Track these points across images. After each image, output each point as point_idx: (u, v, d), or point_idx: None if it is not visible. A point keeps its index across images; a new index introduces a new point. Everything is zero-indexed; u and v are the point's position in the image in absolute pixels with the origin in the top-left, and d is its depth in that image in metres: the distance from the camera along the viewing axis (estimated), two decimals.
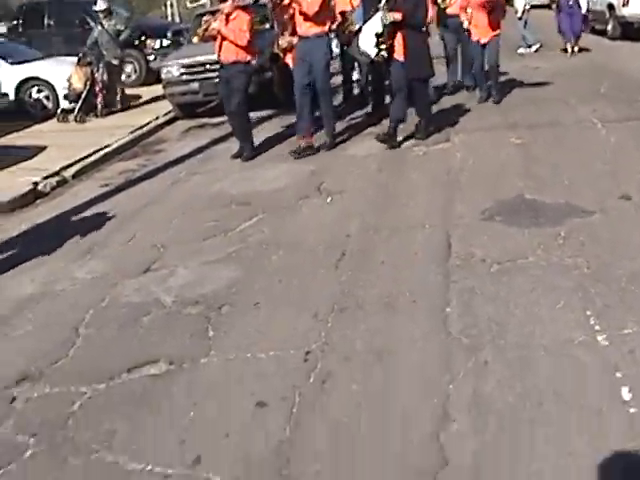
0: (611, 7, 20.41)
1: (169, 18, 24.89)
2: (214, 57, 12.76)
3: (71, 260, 7.08)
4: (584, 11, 17.78)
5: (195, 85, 13.66)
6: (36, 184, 10.14)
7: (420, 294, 5.23)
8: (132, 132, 13.31)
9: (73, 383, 4.66)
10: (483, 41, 11.94)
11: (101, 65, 14.76)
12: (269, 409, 4.05)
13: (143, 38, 19.23)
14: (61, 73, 15.19)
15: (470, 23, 12.05)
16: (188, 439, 3.89)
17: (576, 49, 17.38)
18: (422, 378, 4.15)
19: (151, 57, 18.93)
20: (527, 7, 18.49)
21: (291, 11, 9.99)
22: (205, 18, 10.33)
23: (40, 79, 15.49)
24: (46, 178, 10.42)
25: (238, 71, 10.03)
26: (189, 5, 26.80)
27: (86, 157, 11.57)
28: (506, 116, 11.02)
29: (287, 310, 5.30)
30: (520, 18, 18.73)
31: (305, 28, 9.70)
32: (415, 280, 5.50)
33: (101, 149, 12.04)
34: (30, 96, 15.53)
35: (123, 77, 18.61)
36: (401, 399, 3.99)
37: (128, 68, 19.31)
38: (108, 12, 15.48)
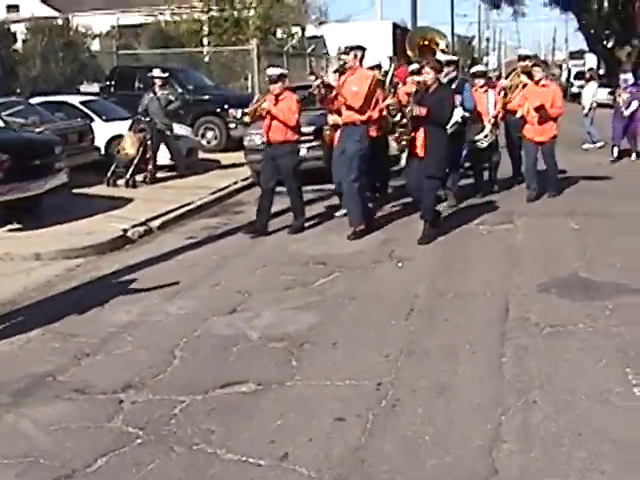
0: None
1: (249, 89, 25.97)
2: None
3: (162, 298, 7.83)
4: (627, 112, 17.29)
5: None
6: (125, 231, 10.98)
7: (479, 347, 5.98)
8: (213, 193, 14.17)
9: (173, 393, 5.40)
10: (538, 139, 12.21)
11: (153, 132, 15.18)
12: (346, 423, 4.79)
13: (226, 107, 20.14)
14: None
15: (526, 119, 12.28)
16: (277, 440, 4.62)
17: (634, 156, 17.22)
18: (478, 409, 4.88)
19: (232, 125, 19.82)
20: (594, 105, 19.18)
21: (337, 103, 10.27)
22: (256, 98, 10.86)
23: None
24: (134, 227, 11.24)
25: (286, 151, 10.45)
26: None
27: (171, 211, 12.39)
28: (566, 204, 11.87)
29: (361, 350, 6.06)
30: (586, 115, 19.49)
31: (346, 116, 10.08)
32: (475, 336, 6.25)
33: (184, 205, 12.87)
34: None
35: (204, 142, 19.72)
36: (460, 423, 4.71)
37: (209, 134, 20.38)
38: (165, 81, 16.04)
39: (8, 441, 4.83)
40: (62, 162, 12.22)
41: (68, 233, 10.77)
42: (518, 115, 12.38)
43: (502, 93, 13.21)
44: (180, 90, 21.03)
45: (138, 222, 11.49)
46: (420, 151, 9.53)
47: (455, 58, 12.82)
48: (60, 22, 27.49)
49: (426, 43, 14.00)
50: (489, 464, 4.19)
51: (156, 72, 16.02)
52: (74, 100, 17.49)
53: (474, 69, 14.39)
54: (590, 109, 19.37)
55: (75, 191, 13.46)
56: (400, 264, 8.70)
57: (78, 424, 5.02)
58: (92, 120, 16.43)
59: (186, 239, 10.77)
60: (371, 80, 10.08)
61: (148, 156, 15.09)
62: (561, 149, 12.96)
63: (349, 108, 9.97)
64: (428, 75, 9.52)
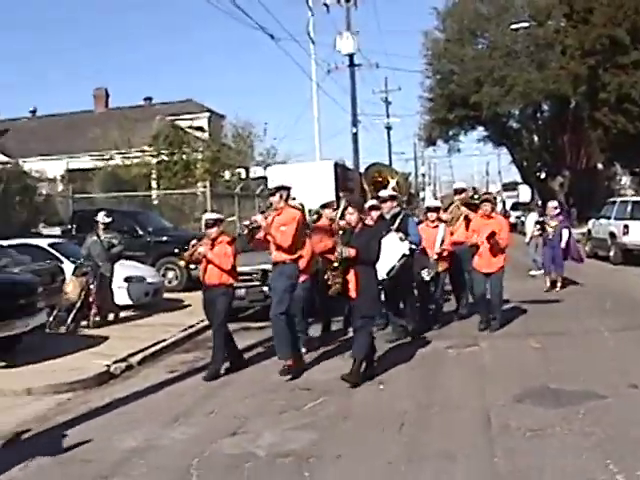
0: (613, 235, 23.00)
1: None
2: (260, 267, 14.38)
3: (162, 425, 8.33)
4: (563, 244, 17.96)
5: (242, 292, 14.68)
6: (108, 367, 11.47)
7: (471, 451, 6.72)
8: (183, 330, 14.69)
9: None
10: (486, 271, 12.58)
11: (95, 276, 15.27)
12: None
13: (185, 247, 20.75)
14: (116, 272, 16.66)
15: (477, 250, 12.64)
16: None
17: (558, 284, 17.76)
18: None
19: (192, 265, 20.36)
20: (536, 233, 20.23)
21: (266, 244, 10.49)
22: (192, 242, 11.19)
23: None
24: (115, 363, 11.71)
25: (221, 293, 10.61)
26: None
27: (148, 347, 12.90)
28: (524, 326, 12.97)
29: (365, 460, 6.71)
30: (528, 243, 20.63)
31: (276, 255, 10.33)
32: (465, 442, 6.97)
33: (159, 342, 13.39)
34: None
35: (165, 282, 20.19)
36: None
37: (170, 274, 20.98)
38: (107, 226, 16.19)
39: None
40: (42, 302, 12.75)
41: (53, 370, 11.20)
42: (471, 242, 12.75)
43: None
44: (141, 232, 21.84)
45: (119, 358, 11.93)
46: (353, 293, 9.57)
47: (396, 194, 13.19)
48: (10, 166, 28.15)
49: (380, 180, 14.93)
50: None
51: (100, 216, 16.28)
52: (42, 243, 18.04)
53: (428, 203, 15.04)
54: (531, 238, 20.50)
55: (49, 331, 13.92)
56: (381, 386, 9.41)
57: None
58: (61, 262, 16.91)
59: (169, 373, 11.21)
60: (298, 219, 10.34)
61: (91, 300, 15.10)
62: (510, 276, 13.85)
63: (278, 248, 10.23)
64: (352, 216, 9.68)
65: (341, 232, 9.97)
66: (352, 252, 9.37)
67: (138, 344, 13.04)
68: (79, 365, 11.50)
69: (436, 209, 13.78)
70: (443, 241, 13.20)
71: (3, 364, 11.43)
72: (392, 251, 11.18)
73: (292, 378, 10.07)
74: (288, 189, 10.57)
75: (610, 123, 32.11)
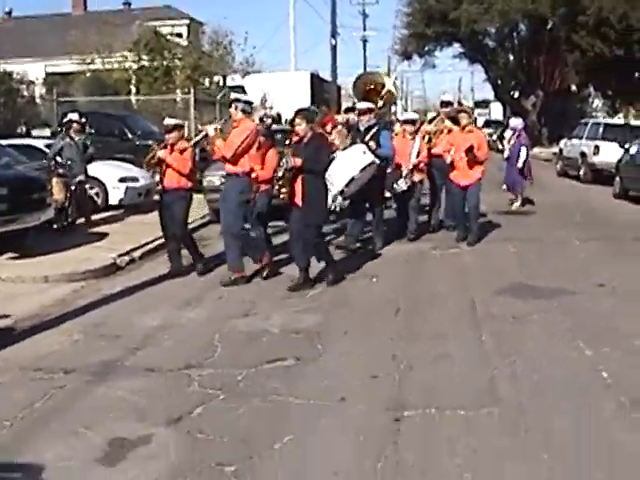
0: (583, 155, 24.13)
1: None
2: None
3: (176, 308, 9.22)
4: (520, 164, 17.81)
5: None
6: (114, 259, 12.31)
7: (461, 332, 7.86)
8: None
9: (229, 368, 6.88)
10: (463, 184, 12.80)
11: (71, 177, 15.19)
12: (380, 378, 6.50)
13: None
14: (110, 173, 17.53)
15: (454, 164, 12.80)
16: (332, 391, 6.24)
17: (517, 203, 17.71)
18: (475, 366, 6.76)
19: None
20: (500, 147, 20.60)
21: (216, 153, 10.54)
22: (152, 147, 11.51)
23: (91, 177, 17.38)
24: (120, 256, 12.55)
25: (179, 197, 10.93)
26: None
27: (147, 243, 13.72)
28: (501, 233, 14.19)
29: (369, 336, 7.81)
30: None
31: (227, 167, 10.44)
32: (456, 325, 8.11)
33: (158, 239, 14.16)
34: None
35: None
36: (464, 375, 6.54)
37: (156, 177, 21.45)
38: (82, 127, 16.10)
39: (110, 402, 6.16)
40: (49, 198, 13.49)
41: (64, 261, 12.04)
42: (447, 161, 12.82)
43: (426, 138, 13.69)
44: (130, 135, 22.45)
45: (123, 252, 12.78)
46: (299, 200, 9.81)
47: (372, 105, 13.05)
48: None
49: (372, 87, 15.26)
50: (493, 397, 5.98)
51: (74, 116, 16.15)
52: (39, 143, 18.62)
53: (405, 116, 15.10)
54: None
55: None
56: (374, 279, 10.45)
57: (163, 390, 6.44)
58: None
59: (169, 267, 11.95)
60: (250, 132, 10.30)
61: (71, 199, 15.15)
62: (485, 190, 14.62)
63: (225, 159, 10.33)
64: (300, 126, 9.81)
65: (287, 142, 10.28)
66: (298, 162, 9.60)
67: (138, 239, 13.83)
68: (86, 257, 12.32)
69: (413, 121, 13.80)
70: (419, 153, 13.25)
71: (15, 255, 12.26)
72: (354, 162, 11.15)
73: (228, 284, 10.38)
74: (248, 102, 10.79)
75: (587, 46, 32.92)
